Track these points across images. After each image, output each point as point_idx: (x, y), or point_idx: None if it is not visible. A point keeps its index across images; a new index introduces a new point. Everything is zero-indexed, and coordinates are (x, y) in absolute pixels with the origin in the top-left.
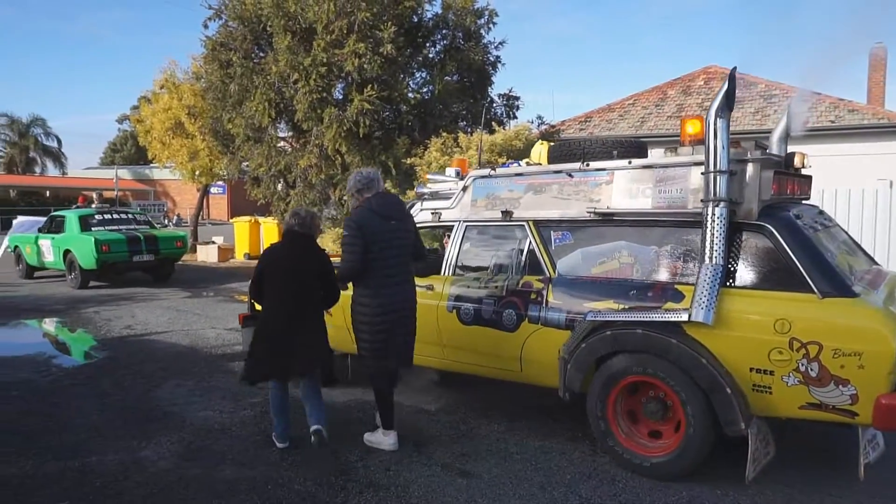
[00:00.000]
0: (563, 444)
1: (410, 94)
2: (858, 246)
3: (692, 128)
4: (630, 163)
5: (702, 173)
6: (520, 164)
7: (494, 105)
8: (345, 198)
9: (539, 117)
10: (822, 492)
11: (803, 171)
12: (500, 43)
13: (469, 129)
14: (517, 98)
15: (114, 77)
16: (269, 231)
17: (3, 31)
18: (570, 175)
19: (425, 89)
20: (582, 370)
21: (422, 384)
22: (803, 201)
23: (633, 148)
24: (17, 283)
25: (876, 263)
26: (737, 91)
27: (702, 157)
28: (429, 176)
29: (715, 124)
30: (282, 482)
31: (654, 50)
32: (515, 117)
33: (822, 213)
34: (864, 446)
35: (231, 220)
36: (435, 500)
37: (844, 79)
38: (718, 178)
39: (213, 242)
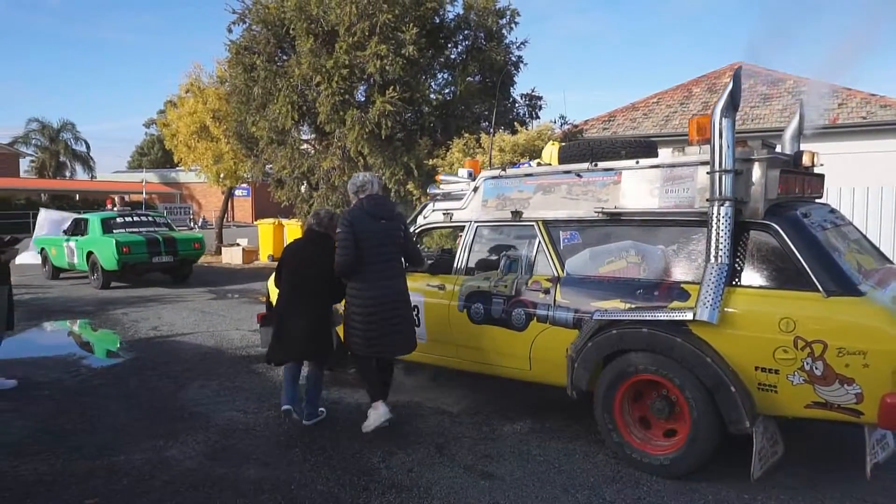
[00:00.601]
0: (586, 446)
1: (432, 96)
2: (873, 245)
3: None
4: (637, 163)
5: (707, 172)
6: (530, 165)
7: (517, 105)
8: None
9: (562, 117)
10: (853, 496)
11: (815, 170)
12: (522, 43)
13: (491, 130)
14: (539, 98)
15: (141, 82)
16: (293, 233)
17: (35, 38)
18: (579, 175)
19: (447, 90)
20: (589, 369)
21: (445, 386)
22: (816, 200)
23: (642, 148)
24: (47, 285)
25: (890, 262)
26: (764, 88)
27: (708, 157)
28: (441, 177)
29: (720, 124)
30: (304, 482)
31: (679, 47)
32: (538, 117)
33: (833, 211)
34: (873, 446)
35: (255, 223)
36: (457, 502)
37: (879, 73)
38: (724, 177)
39: (238, 244)
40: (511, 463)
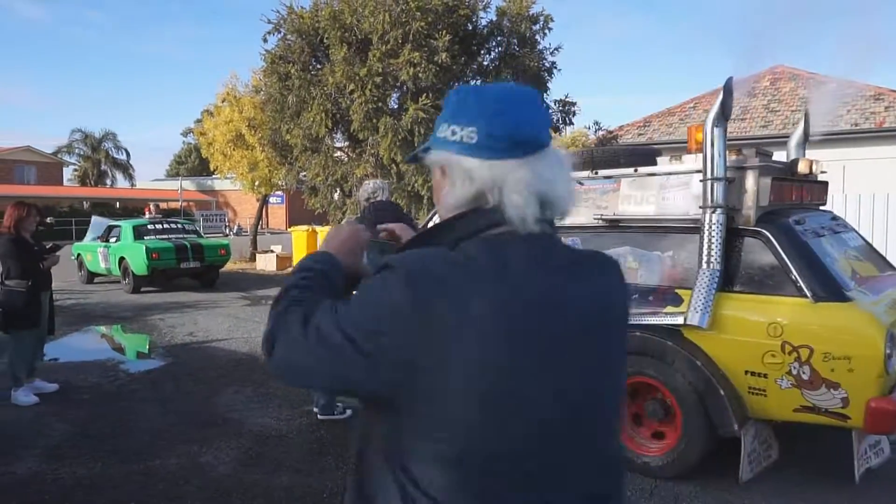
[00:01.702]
0: None
1: None
2: (877, 252)
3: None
4: (636, 171)
5: (700, 180)
6: None
7: (550, 111)
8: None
9: (596, 123)
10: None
11: (819, 177)
12: (556, 48)
13: None
14: (573, 104)
15: (180, 92)
16: None
17: (80, 52)
18: (580, 183)
19: None
20: None
21: None
22: (819, 207)
23: (642, 156)
24: (87, 291)
25: (893, 269)
26: (805, 92)
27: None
28: None
29: (712, 133)
30: (337, 490)
31: (718, 50)
32: (572, 123)
33: (835, 218)
34: (866, 450)
35: (289, 230)
36: None
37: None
38: (715, 185)
39: (272, 251)
40: None
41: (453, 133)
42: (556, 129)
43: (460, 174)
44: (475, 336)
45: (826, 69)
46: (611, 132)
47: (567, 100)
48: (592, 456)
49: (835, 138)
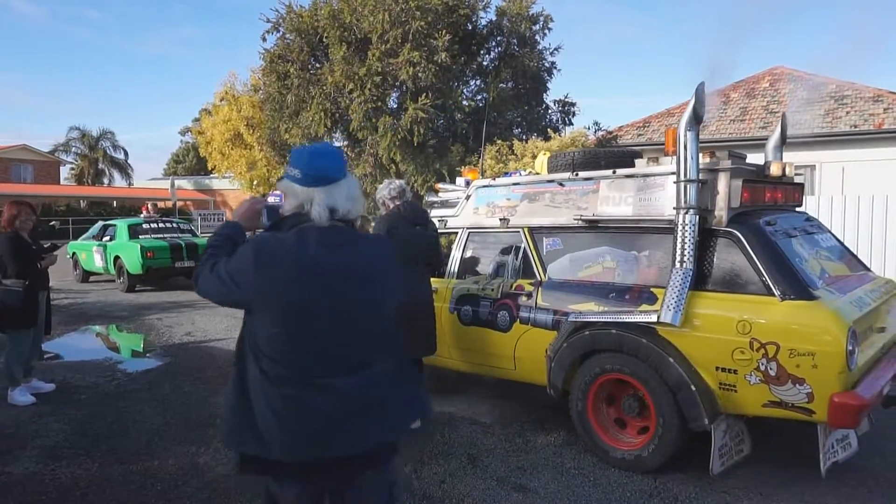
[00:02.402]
0: None
1: (465, 102)
2: (850, 252)
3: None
4: (614, 172)
5: (674, 182)
6: (521, 174)
7: (550, 111)
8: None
9: (596, 123)
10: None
11: (796, 179)
12: (556, 48)
13: (524, 137)
14: (573, 104)
15: (177, 91)
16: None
17: (79, 49)
18: (561, 184)
19: (479, 97)
20: (564, 368)
21: (476, 395)
22: (795, 209)
23: (621, 158)
24: (84, 290)
25: (866, 269)
26: (806, 93)
27: None
28: (440, 185)
29: (685, 136)
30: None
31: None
32: (571, 123)
33: (809, 219)
34: (833, 445)
35: None
36: None
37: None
38: (688, 186)
39: None
40: (545, 475)
41: (290, 171)
42: (556, 130)
43: (292, 193)
44: (283, 277)
45: (825, 70)
46: (610, 133)
47: (566, 100)
48: (352, 336)
49: (834, 140)
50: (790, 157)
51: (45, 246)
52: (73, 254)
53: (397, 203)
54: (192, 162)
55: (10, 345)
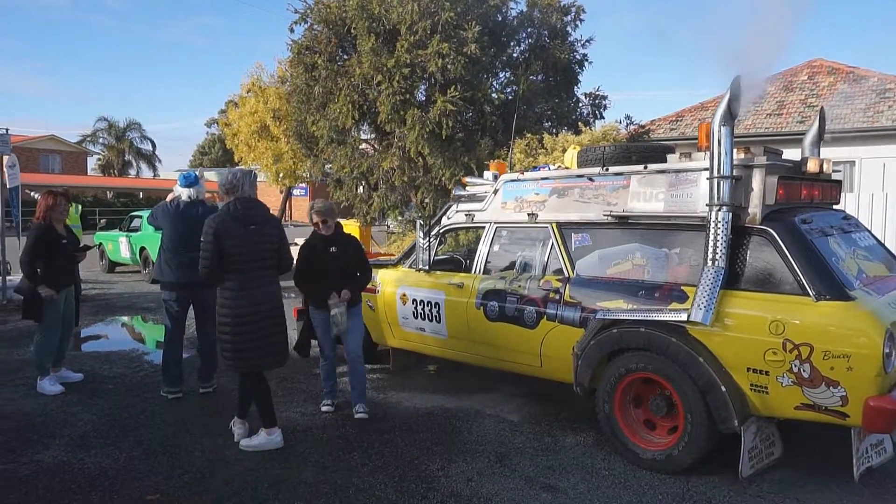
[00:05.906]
0: None
1: (494, 95)
2: (889, 252)
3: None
4: (646, 167)
5: (707, 178)
6: (549, 168)
7: (580, 105)
8: (426, 200)
9: (627, 117)
10: None
11: (833, 176)
12: (588, 40)
13: (554, 130)
14: (604, 97)
15: (203, 82)
16: (350, 233)
17: (106, 41)
18: (591, 179)
19: (509, 89)
20: (591, 366)
21: (504, 392)
22: (832, 206)
23: (653, 153)
24: (111, 281)
25: None
26: (846, 86)
27: None
28: (467, 179)
29: (719, 132)
30: (363, 487)
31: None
32: (602, 117)
33: (847, 217)
34: (867, 449)
35: None
36: None
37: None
38: (722, 183)
39: (296, 244)
40: (574, 476)
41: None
42: (586, 123)
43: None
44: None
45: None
46: (642, 127)
47: (597, 93)
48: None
49: (875, 135)
50: (828, 152)
51: (80, 245)
52: (100, 244)
53: (229, 199)
54: (217, 153)
55: (39, 335)
